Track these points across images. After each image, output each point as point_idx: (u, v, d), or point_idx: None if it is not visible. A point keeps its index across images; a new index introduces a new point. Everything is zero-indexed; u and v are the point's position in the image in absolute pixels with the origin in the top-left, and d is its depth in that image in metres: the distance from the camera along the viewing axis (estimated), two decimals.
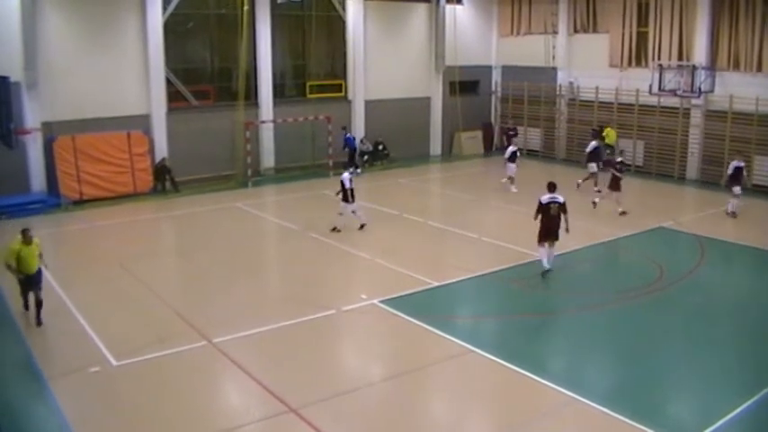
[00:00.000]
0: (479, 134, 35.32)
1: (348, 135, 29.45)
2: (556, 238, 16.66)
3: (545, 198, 16.60)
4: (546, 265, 16.65)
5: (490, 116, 36.25)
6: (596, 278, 17.50)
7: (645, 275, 17.01)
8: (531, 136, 34.43)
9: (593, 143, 26.53)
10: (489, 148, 35.52)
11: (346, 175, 20.38)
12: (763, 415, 10.80)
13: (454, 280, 16.60)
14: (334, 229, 20.21)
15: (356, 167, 27.82)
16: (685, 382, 12.00)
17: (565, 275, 17.16)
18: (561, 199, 16.59)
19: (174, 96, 26.64)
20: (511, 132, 32.46)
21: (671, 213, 22.79)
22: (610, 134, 29.64)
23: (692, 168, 28.49)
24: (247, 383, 11.59)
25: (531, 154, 33.85)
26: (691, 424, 10.50)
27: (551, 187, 16.82)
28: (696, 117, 28.23)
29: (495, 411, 11.14)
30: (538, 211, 16.62)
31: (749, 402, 10.94)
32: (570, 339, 13.76)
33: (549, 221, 16.51)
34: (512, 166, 26.34)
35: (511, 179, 26.33)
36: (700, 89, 26.90)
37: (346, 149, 29.37)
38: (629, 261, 18.79)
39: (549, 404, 11.13)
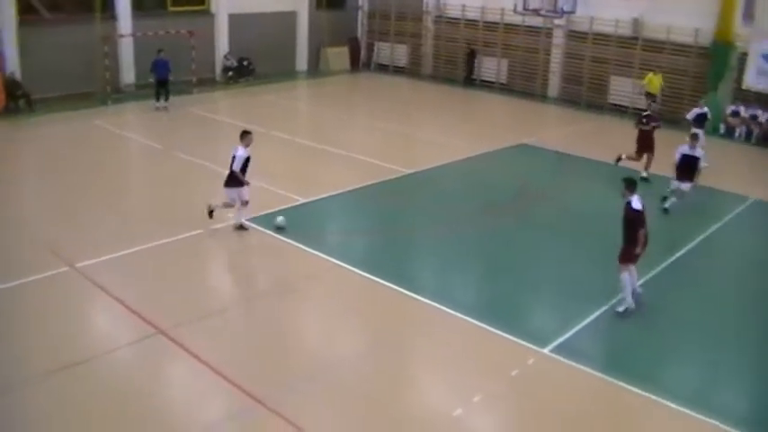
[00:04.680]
0: (346, 50, 34.88)
1: (161, 58, 24.48)
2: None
3: (636, 202, 11.42)
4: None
5: (357, 31, 35.85)
6: (462, 193, 17.78)
7: (509, 191, 17.56)
8: (398, 52, 34.43)
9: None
10: (356, 63, 35.28)
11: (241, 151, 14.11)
12: (610, 321, 11.53)
13: (322, 196, 16.58)
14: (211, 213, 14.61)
15: (165, 98, 24.79)
16: (545, 293, 12.62)
17: (431, 191, 17.50)
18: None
19: (25, 9, 24.79)
20: (653, 124, 19.04)
21: (533, 130, 23.48)
22: (652, 81, 24.92)
23: (554, 87, 29.37)
24: (114, 307, 11.18)
25: (397, 70, 33.98)
26: (548, 331, 11.03)
27: (631, 186, 11.50)
28: (558, 37, 28.95)
29: (364, 325, 11.29)
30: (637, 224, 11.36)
31: (599, 312, 11.65)
32: (439, 254, 14.07)
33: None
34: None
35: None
36: (562, 9, 27.45)
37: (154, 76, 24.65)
38: (494, 177, 19.29)
39: (419, 317, 11.41)
